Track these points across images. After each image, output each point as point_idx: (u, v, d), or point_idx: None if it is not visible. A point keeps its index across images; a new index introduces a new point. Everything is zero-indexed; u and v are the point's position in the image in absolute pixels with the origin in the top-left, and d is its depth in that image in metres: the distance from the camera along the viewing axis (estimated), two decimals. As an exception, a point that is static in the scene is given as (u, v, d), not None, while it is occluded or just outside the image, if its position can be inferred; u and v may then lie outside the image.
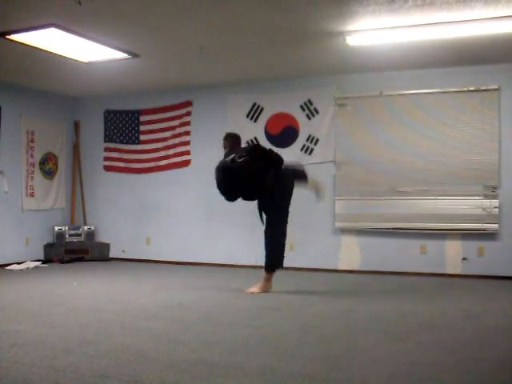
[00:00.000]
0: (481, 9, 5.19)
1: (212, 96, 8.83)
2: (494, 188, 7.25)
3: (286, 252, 7.37)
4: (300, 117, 8.25)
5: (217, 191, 8.61)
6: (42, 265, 8.70)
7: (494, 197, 7.25)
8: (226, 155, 6.19)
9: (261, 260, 6.44)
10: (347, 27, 5.78)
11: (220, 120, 8.71)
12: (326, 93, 8.08)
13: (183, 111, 9.01)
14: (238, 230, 8.49)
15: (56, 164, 9.46)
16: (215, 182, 6.08)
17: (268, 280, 6.20)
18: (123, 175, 9.51)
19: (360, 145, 7.87)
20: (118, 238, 9.47)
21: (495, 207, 7.23)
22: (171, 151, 9.08)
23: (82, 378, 3.24)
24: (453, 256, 7.49)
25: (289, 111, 8.31)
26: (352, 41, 6.14)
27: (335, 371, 3.40)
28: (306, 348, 3.96)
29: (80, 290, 6.53)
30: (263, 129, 8.42)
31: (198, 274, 7.81)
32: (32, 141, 8.94)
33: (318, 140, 8.14)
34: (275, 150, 8.11)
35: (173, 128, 9.07)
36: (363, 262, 7.89)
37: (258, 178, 5.90)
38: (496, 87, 7.29)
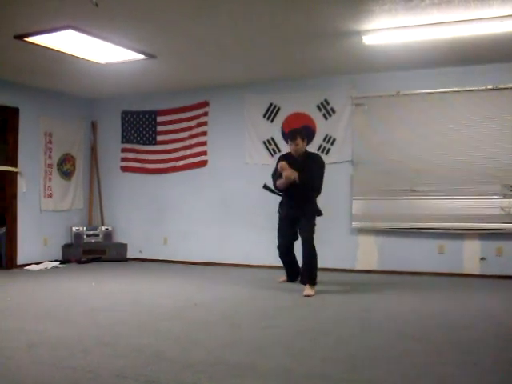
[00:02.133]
0: (499, 6, 5.13)
1: (229, 96, 8.83)
2: (513, 187, 7.19)
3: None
4: (317, 116, 8.22)
5: (233, 192, 8.71)
6: (60, 265, 8.76)
7: (513, 196, 7.18)
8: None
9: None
10: (363, 26, 5.75)
11: (237, 120, 8.72)
12: (342, 92, 8.05)
13: (200, 111, 9.02)
14: (255, 230, 8.48)
15: (74, 165, 9.52)
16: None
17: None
18: (140, 176, 9.54)
19: (377, 144, 7.82)
20: (135, 238, 9.51)
21: (514, 207, 7.17)
22: (188, 152, 9.10)
23: (100, 378, 3.26)
24: (471, 256, 7.42)
25: (305, 111, 8.28)
26: (368, 40, 6.10)
27: (351, 372, 3.40)
28: (321, 348, 3.96)
29: (98, 290, 6.57)
30: (280, 129, 8.40)
31: (215, 275, 7.81)
32: (50, 142, 9.01)
33: (334, 140, 8.11)
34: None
35: (190, 128, 9.09)
36: (380, 261, 7.85)
37: None
38: (514, 85, 7.23)
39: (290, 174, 6.14)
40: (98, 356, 3.71)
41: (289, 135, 6.51)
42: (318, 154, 6.75)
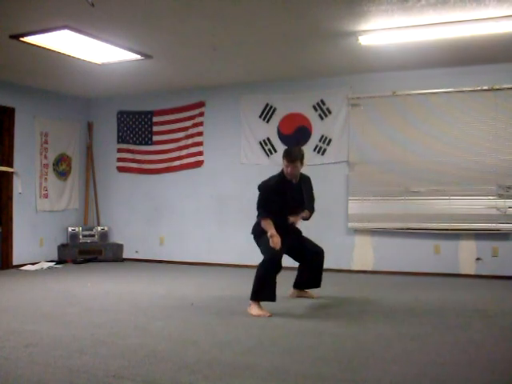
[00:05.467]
0: (495, 7, 5.15)
1: (225, 96, 8.83)
2: (509, 188, 7.19)
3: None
4: (313, 117, 8.23)
5: (230, 192, 8.71)
6: (56, 265, 8.74)
7: (509, 196, 7.19)
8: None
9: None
10: (359, 27, 5.76)
11: (233, 120, 8.72)
12: (338, 93, 8.06)
13: (196, 112, 9.02)
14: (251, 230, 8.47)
15: (69, 165, 9.50)
16: None
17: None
18: (136, 176, 9.54)
19: (373, 145, 7.84)
20: (132, 238, 9.50)
21: (509, 207, 7.17)
22: (184, 152, 9.10)
23: (96, 379, 3.25)
24: (467, 256, 7.44)
25: (301, 111, 8.29)
26: (364, 40, 6.12)
27: (348, 372, 3.40)
28: (319, 348, 3.96)
29: (94, 290, 6.55)
30: (276, 129, 8.41)
31: (211, 275, 7.81)
32: (46, 142, 8.99)
33: (330, 140, 8.12)
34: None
35: (186, 129, 9.09)
36: (377, 262, 7.86)
37: None
38: (510, 86, 7.22)
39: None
40: (93, 356, 3.70)
41: (288, 156, 5.46)
42: (308, 176, 5.94)
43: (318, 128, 8.20)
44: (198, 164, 9.02)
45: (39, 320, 4.87)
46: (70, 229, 9.29)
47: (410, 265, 7.66)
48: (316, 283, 5.96)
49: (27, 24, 5.65)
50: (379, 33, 5.88)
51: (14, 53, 6.74)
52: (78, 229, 9.36)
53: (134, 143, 9.51)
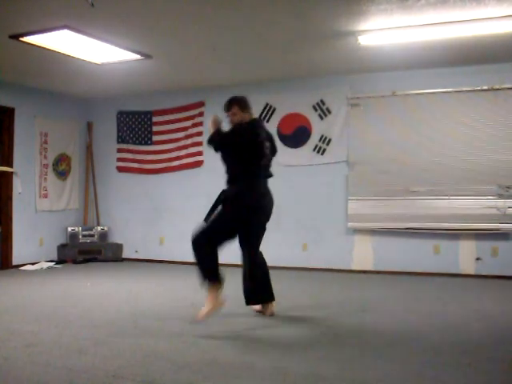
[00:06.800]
0: (494, 7, 5.14)
1: (224, 96, 8.67)
2: (508, 188, 7.19)
3: (299, 252, 7.27)
4: (312, 117, 8.23)
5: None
6: (56, 265, 8.74)
7: (509, 196, 7.18)
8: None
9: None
10: (359, 26, 5.76)
11: (232, 120, 8.71)
12: (338, 93, 8.06)
13: (195, 112, 9.02)
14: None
15: (69, 165, 9.50)
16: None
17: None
18: (136, 176, 9.53)
19: (372, 145, 7.84)
20: (131, 238, 9.50)
21: (509, 207, 7.17)
22: (184, 152, 9.10)
23: (96, 378, 3.25)
24: (466, 256, 7.44)
25: (301, 111, 8.29)
26: (364, 40, 6.11)
27: (348, 371, 3.40)
28: (318, 348, 3.96)
29: (93, 290, 6.55)
30: (276, 129, 8.39)
31: (211, 275, 7.80)
32: (45, 142, 8.99)
33: (330, 140, 8.12)
34: (288, 150, 8.23)
35: (185, 129, 9.09)
36: (376, 262, 7.85)
37: None
38: (510, 86, 7.21)
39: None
40: (93, 356, 3.70)
41: (225, 106, 5.38)
42: (246, 123, 5.34)
43: (317, 128, 8.19)
44: (198, 164, 9.02)
45: (39, 320, 4.87)
46: (69, 229, 9.28)
47: (409, 265, 7.65)
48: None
49: (27, 24, 5.64)
50: (378, 32, 5.88)
51: (13, 53, 6.73)
52: (78, 229, 9.35)
53: (134, 143, 9.51)
